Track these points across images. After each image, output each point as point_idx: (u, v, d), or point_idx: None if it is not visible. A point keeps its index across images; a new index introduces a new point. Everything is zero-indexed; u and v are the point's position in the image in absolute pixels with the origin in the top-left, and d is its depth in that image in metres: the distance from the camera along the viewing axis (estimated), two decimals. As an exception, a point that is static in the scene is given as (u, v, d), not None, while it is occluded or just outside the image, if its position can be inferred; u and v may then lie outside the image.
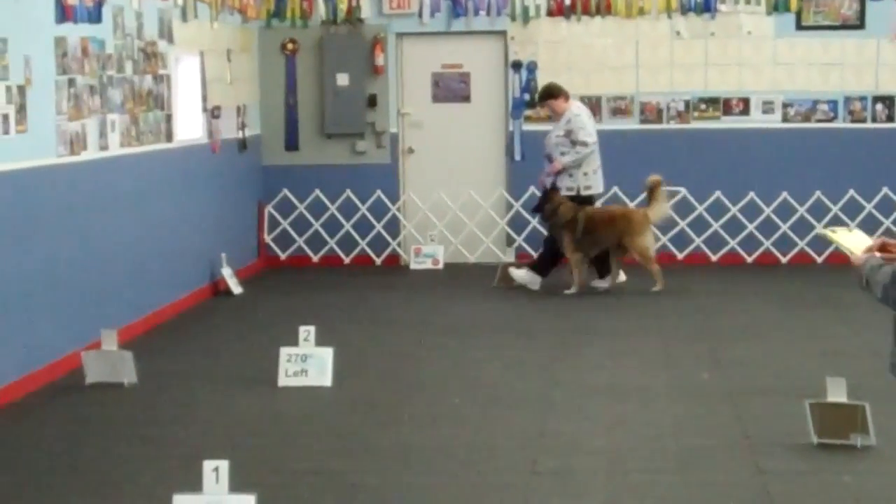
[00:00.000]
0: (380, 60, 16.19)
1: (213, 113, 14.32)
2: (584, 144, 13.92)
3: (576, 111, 14.09)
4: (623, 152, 15.73)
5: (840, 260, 6.00)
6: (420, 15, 16.18)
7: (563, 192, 13.95)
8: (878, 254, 5.09)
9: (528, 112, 16.05)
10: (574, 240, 13.76)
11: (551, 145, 14.12)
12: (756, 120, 15.97)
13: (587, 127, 14.00)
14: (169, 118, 12.99)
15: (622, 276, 14.16)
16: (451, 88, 16.36)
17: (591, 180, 14.09)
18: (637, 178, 14.83)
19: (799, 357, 10.85)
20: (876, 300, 5.03)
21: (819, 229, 6.12)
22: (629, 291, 13.94)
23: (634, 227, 13.83)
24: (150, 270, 12.40)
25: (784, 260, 15.81)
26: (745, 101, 15.96)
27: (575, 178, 14.03)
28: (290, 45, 16.32)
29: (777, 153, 15.88)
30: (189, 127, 13.69)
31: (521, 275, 14.21)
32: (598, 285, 14.06)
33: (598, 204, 14.63)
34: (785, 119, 15.98)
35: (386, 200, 16.15)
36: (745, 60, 15.90)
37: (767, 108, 15.94)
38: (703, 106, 15.99)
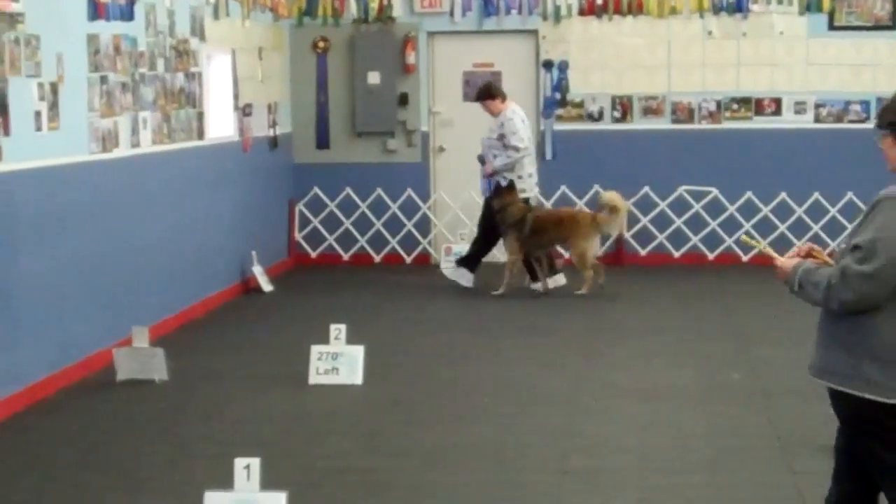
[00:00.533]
0: (411, 59, 16.19)
1: (244, 111, 14.35)
2: (515, 149, 13.86)
3: (509, 115, 13.97)
4: (654, 152, 15.73)
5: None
6: (451, 14, 16.16)
7: None
8: (807, 259, 5.21)
9: (560, 111, 16.04)
10: (519, 240, 13.74)
11: (485, 147, 14.09)
12: (788, 120, 15.91)
13: (519, 132, 13.91)
14: (200, 116, 13.02)
15: (561, 280, 14.11)
16: (482, 87, 16.32)
17: (526, 184, 14.03)
18: (669, 177, 14.82)
19: (831, 358, 10.78)
20: (811, 303, 5.06)
21: (742, 236, 6.17)
22: (659, 292, 13.90)
23: (580, 230, 13.71)
24: (181, 268, 12.43)
25: (815, 261, 15.71)
26: (777, 102, 15.89)
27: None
28: (321, 44, 16.34)
29: (809, 154, 15.80)
30: (220, 125, 13.71)
31: (451, 272, 14.44)
32: (534, 287, 14.06)
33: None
34: (817, 120, 15.90)
35: (416, 199, 16.14)
36: (777, 60, 15.83)
37: (799, 108, 15.87)
38: (734, 106, 15.93)
